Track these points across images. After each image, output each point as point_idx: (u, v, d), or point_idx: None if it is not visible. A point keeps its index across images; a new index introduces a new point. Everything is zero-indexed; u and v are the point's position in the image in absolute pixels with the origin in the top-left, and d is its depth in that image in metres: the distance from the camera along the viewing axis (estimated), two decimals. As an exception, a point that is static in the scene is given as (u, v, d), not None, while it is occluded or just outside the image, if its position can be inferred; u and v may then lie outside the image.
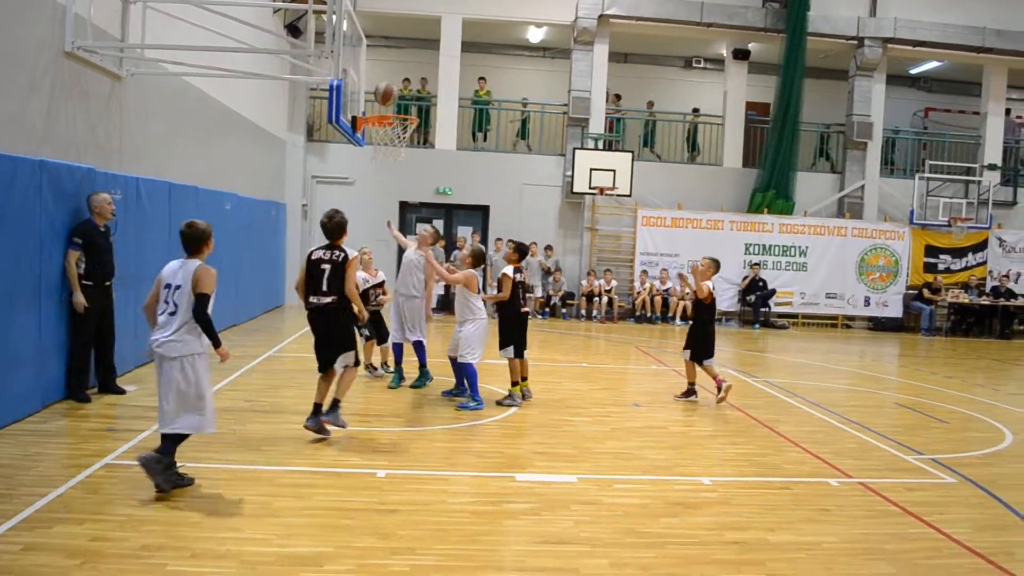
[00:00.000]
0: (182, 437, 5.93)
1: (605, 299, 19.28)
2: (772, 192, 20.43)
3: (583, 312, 19.46)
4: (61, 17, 8.69)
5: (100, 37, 9.50)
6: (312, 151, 19.99)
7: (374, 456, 7.08)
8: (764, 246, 20.28)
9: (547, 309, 19.51)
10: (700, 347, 9.97)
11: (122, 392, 8.92)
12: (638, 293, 19.55)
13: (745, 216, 20.44)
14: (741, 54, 21.14)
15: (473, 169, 20.14)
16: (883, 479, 7.12)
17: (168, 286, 6.06)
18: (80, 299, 8.30)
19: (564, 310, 19.63)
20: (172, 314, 5.93)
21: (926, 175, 20.87)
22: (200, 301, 5.88)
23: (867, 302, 20.64)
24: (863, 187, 21.13)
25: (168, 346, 5.83)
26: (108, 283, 8.80)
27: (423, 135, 20.68)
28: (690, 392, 10.07)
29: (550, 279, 19.45)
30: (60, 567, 4.55)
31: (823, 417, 9.58)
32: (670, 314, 19.40)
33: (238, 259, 14.56)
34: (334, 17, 9.54)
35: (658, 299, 19.47)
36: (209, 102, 13.68)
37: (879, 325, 20.78)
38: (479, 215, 20.41)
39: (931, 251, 20.88)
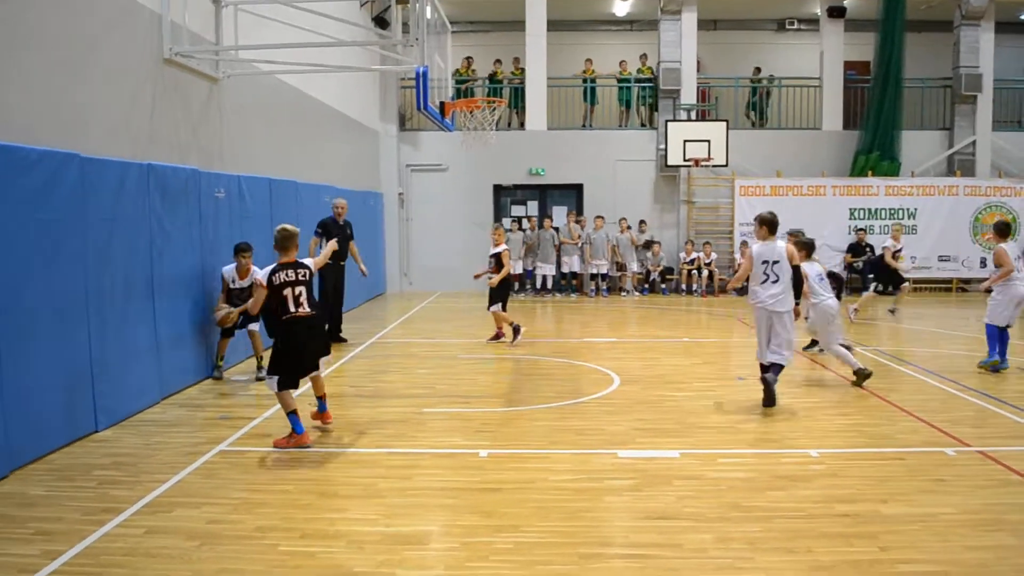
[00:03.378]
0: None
1: (705, 272, 18.94)
2: (876, 154, 19.62)
3: (683, 287, 19.18)
4: (158, 25, 9.04)
5: (195, 42, 9.84)
6: (405, 140, 20.27)
7: (476, 436, 7.16)
8: (870, 210, 19.50)
9: (646, 285, 19.29)
10: None
11: (344, 341, 12.02)
12: (739, 265, 19.09)
13: (848, 180, 19.67)
14: (836, 11, 20.30)
15: (565, 148, 20.04)
16: (1004, 447, 6.78)
17: (766, 262, 7.99)
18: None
19: (663, 285, 19.37)
20: (775, 282, 7.97)
21: (1043, 126, 19.66)
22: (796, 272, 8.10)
23: (984, 263, 19.59)
24: (974, 143, 20.06)
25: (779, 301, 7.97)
26: (342, 262, 11.86)
27: (519, 116, 20.69)
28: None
29: (648, 254, 19.22)
30: (180, 548, 4.79)
31: (938, 385, 9.18)
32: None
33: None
34: (418, 6, 9.62)
35: (760, 270, 18.96)
36: (303, 98, 14.02)
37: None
38: (573, 194, 20.33)
39: (1052, 206, 19.67)
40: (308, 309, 6.92)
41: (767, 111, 21.67)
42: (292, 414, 6.79)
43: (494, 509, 5.44)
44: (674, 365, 10.50)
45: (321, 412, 7.35)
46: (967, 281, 20.04)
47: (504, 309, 12.04)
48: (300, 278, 6.95)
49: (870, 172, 19.58)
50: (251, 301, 7.39)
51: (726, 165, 18.98)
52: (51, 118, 7.13)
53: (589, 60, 20.98)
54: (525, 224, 19.22)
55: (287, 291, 6.85)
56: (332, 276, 11.90)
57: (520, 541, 4.93)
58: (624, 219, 19.15)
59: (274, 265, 6.95)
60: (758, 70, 21.76)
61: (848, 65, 20.80)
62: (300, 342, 6.88)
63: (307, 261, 7.16)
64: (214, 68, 10.43)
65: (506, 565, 4.60)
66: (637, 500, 5.63)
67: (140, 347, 7.93)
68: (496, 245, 12.07)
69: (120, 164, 7.71)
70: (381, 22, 18.16)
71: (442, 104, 10.86)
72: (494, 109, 11.12)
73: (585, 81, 20.77)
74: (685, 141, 18.65)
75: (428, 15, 10.14)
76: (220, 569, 4.53)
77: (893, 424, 7.54)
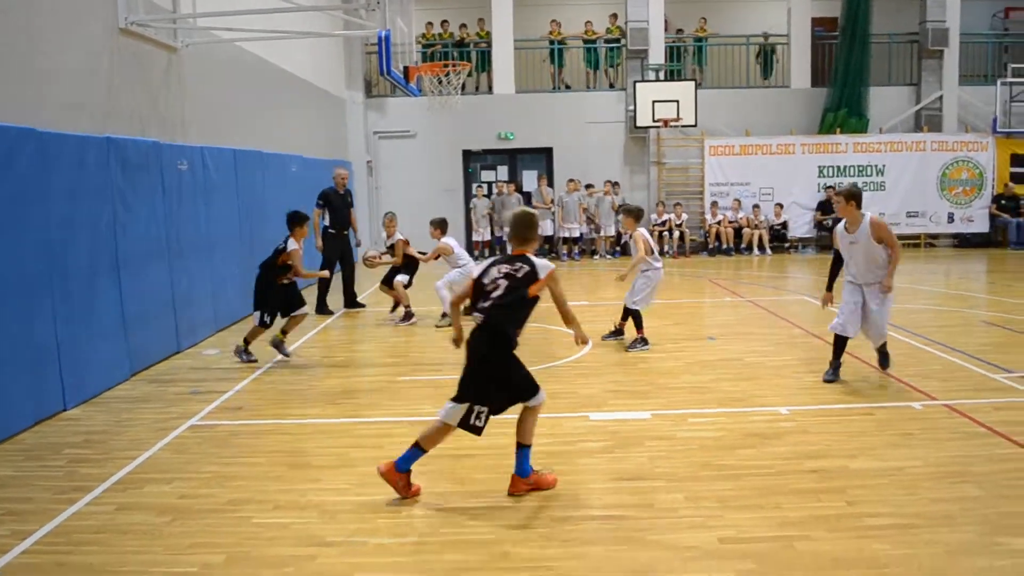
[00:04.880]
0: None
1: (676, 233, 18.98)
2: (844, 111, 19.68)
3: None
4: (112, -7, 8.81)
5: (152, 11, 9.62)
6: (372, 107, 20.03)
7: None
8: (839, 167, 19.59)
9: (618, 248, 19.31)
10: None
11: (362, 306, 12.28)
12: (710, 226, 19.19)
13: (817, 138, 19.75)
14: (804, -33, 20.24)
15: (534, 111, 19.91)
16: (970, 400, 6.90)
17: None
18: (318, 242, 11.70)
19: (634, 247, 19.38)
20: None
21: (1009, 80, 19.74)
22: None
23: (951, 218, 19.85)
24: (941, 98, 20.17)
25: None
26: (345, 232, 12.07)
27: (487, 80, 20.50)
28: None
29: (619, 217, 19.19)
30: (151, 524, 4.76)
31: (906, 340, 9.29)
32: (743, 245, 19.00)
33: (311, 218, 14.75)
34: (378, -33, 9.46)
35: (730, 230, 19.07)
36: (266, 66, 13.78)
37: (965, 242, 19.99)
38: (543, 157, 20.24)
39: (1018, 160, 19.84)
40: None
41: (772, 67, 21.46)
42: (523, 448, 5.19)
43: (467, 475, 5.47)
44: (646, 327, 10.51)
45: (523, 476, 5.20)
46: (935, 236, 20.27)
47: (408, 286, 11.20)
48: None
49: (838, 129, 19.66)
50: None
51: (695, 125, 18.95)
52: (4, 92, 6.94)
53: (555, 21, 20.79)
54: (497, 189, 19.14)
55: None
56: (337, 246, 12.01)
57: (493, 506, 4.95)
58: (609, 181, 19.14)
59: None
60: (766, 34, 21.45)
61: (816, 22, 20.76)
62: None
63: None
64: (172, 37, 10.21)
65: (480, 530, 4.62)
66: (609, 462, 5.68)
67: (106, 323, 7.82)
68: (390, 236, 11.27)
69: (79, 138, 7.54)
70: (346, -14, 17.86)
71: (406, 69, 10.73)
72: (459, 73, 11.00)
73: (552, 43, 20.60)
74: (654, 102, 18.59)
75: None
76: (192, 543, 4.52)
77: (862, 380, 7.64)
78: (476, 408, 4.98)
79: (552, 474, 5.27)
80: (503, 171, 20.26)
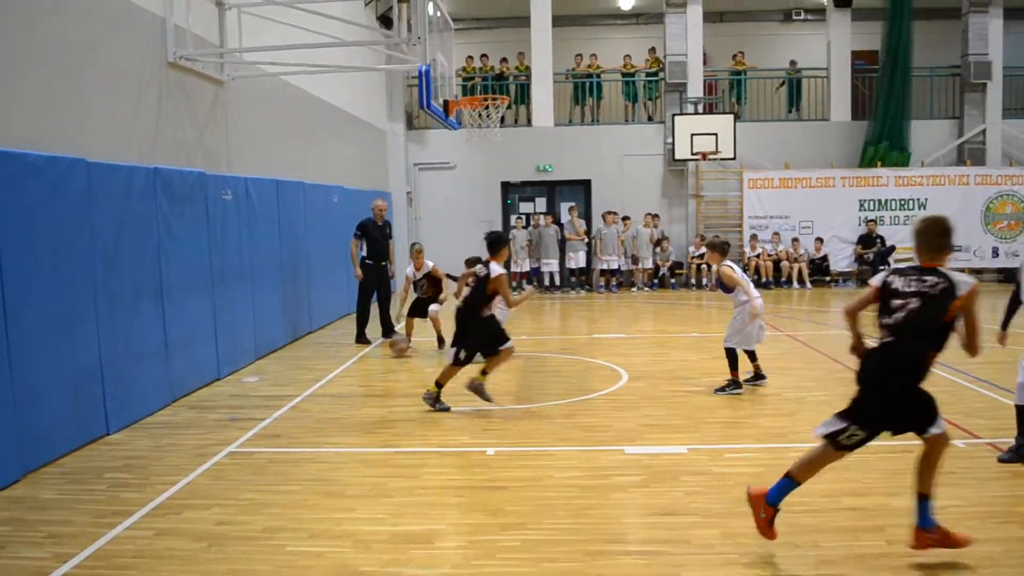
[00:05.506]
0: None
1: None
2: (885, 144, 19.50)
3: (693, 281, 19.12)
4: (161, 29, 9.09)
5: (200, 45, 9.88)
6: (413, 139, 20.29)
7: (484, 435, 7.18)
8: (880, 201, 19.40)
9: (656, 280, 19.25)
10: None
11: (396, 333, 11.96)
12: (749, 259, 19.06)
13: (857, 171, 19.56)
14: (843, 0, 20.19)
15: (572, 144, 20.03)
16: (1015, 439, 6.73)
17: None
18: (357, 272, 11.82)
19: (673, 280, 19.34)
20: None
21: (1055, 113, 19.51)
22: None
23: (995, 253, 19.49)
24: (984, 131, 19.92)
25: None
26: (383, 263, 12.08)
27: (526, 113, 20.70)
28: None
29: (657, 249, 19.18)
30: (189, 549, 4.82)
31: (949, 377, 9.13)
32: (783, 279, 18.83)
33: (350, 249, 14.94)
34: (419, 4, 9.64)
35: (770, 263, 18.93)
36: (309, 99, 14.06)
37: (1010, 276, 19.60)
38: (581, 190, 20.31)
39: (1063, 194, 19.52)
40: None
41: (799, 100, 21.38)
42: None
43: (501, 507, 5.46)
44: (683, 360, 10.49)
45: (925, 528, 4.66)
46: (979, 271, 19.89)
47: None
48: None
49: (879, 163, 19.47)
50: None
51: (734, 158, 18.91)
52: (56, 123, 7.17)
53: (579, 56, 21.02)
54: (534, 221, 19.23)
55: None
56: (374, 277, 12.05)
57: (526, 539, 4.94)
58: (650, 214, 19.21)
59: None
60: (794, 63, 21.47)
61: (856, 55, 20.67)
62: None
63: None
64: (219, 71, 10.47)
65: (512, 563, 4.62)
66: (644, 496, 5.64)
67: (149, 349, 7.97)
68: (419, 269, 11.34)
69: (126, 168, 7.75)
70: (386, 21, 18.21)
71: (446, 103, 10.89)
72: (498, 107, 11.13)
73: (590, 76, 20.77)
74: (692, 135, 18.60)
75: (430, 12, 10.18)
76: (228, 570, 4.56)
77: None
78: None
79: (966, 534, 4.62)
80: (541, 203, 20.34)
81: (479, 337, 7.87)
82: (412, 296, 11.50)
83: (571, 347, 11.54)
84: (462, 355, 7.85)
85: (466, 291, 8.13)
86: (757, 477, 5.96)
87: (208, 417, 7.89)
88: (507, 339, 7.96)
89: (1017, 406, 6.37)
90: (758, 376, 8.79)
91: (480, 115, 11.69)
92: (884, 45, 19.72)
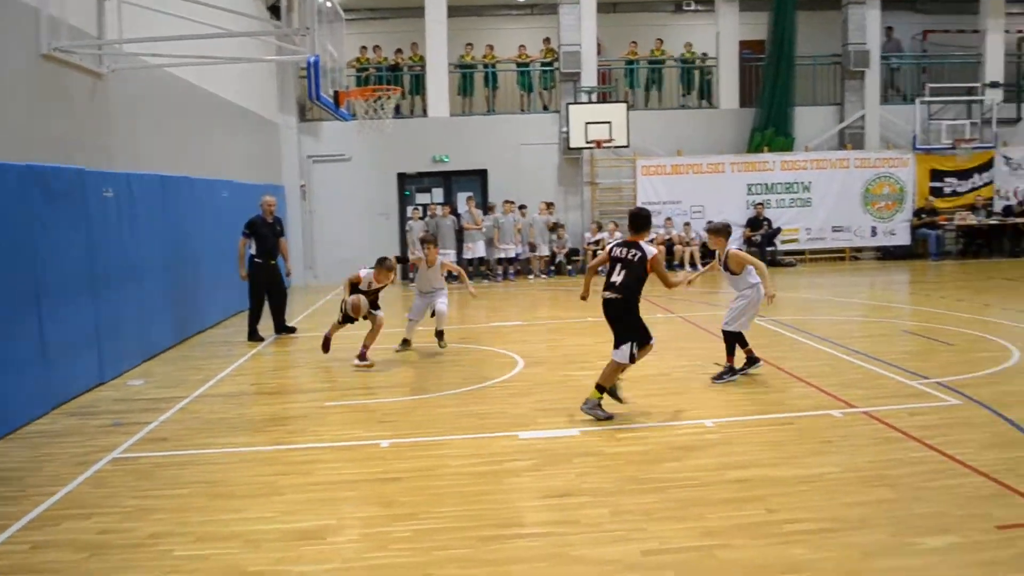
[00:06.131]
0: None
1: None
2: (771, 130, 20.22)
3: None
4: (35, 19, 8.65)
5: (77, 36, 9.45)
6: (306, 131, 19.92)
7: (378, 427, 7.14)
8: (767, 185, 20.11)
9: (552, 267, 19.44)
10: None
11: (294, 330, 12.13)
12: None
13: (745, 156, 20.24)
14: (731, -9, 20.77)
15: (468, 134, 20.03)
16: (887, 406, 7.11)
17: None
18: (242, 272, 11.51)
19: (570, 267, 19.58)
20: None
21: (927, 99, 20.53)
22: None
23: (874, 232, 20.46)
24: (863, 117, 20.85)
25: None
26: (273, 261, 11.66)
27: (421, 103, 20.57)
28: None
29: (554, 236, 19.37)
30: (68, 561, 4.64)
31: (830, 351, 9.54)
32: (675, 262, 19.29)
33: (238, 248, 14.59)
34: (307, -7, 9.48)
35: (663, 248, 19.33)
36: (196, 91, 13.63)
37: (888, 254, 20.62)
38: (477, 180, 20.33)
39: (936, 175, 20.60)
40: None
41: (691, 86, 21.79)
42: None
43: (394, 498, 5.44)
44: (579, 344, 10.65)
45: None
46: (859, 250, 20.86)
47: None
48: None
49: (766, 148, 20.16)
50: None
51: (627, 146, 19.26)
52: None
53: (470, 45, 21.05)
54: (431, 212, 19.16)
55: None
56: (264, 276, 11.64)
57: (419, 528, 4.94)
58: (545, 202, 19.41)
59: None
60: (689, 45, 21.74)
61: (743, 44, 21.33)
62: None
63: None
64: (97, 63, 10.04)
65: (404, 553, 4.61)
66: (537, 480, 5.71)
67: (25, 356, 7.61)
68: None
69: (-6, 166, 7.37)
70: (277, 11, 17.76)
71: (336, 94, 10.73)
72: (390, 97, 11.04)
73: (473, 67, 20.81)
74: (587, 123, 18.85)
75: (319, 2, 10.02)
76: (109, 579, 4.42)
77: (785, 391, 7.83)
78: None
79: None
80: (438, 193, 20.29)
81: (640, 328, 7.18)
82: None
83: (469, 336, 11.57)
84: (635, 350, 7.06)
85: (618, 277, 7.18)
86: (648, 455, 6.14)
87: (90, 424, 7.59)
88: (650, 335, 7.25)
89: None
90: (752, 360, 8.46)
91: (373, 106, 11.56)
92: (770, 35, 20.42)
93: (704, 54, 21.68)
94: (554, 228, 19.36)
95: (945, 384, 7.78)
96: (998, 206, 20.65)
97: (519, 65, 21.12)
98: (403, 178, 20.17)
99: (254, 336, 11.60)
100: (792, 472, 5.65)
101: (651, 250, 7.10)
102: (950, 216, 20.39)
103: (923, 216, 20.30)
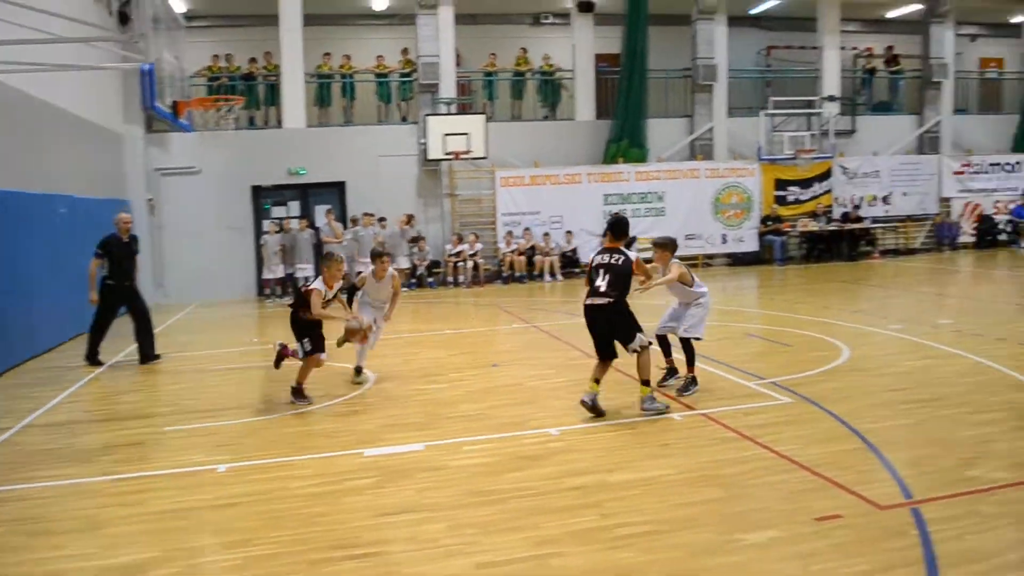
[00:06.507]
0: None
1: (470, 263, 19.24)
2: (626, 141, 20.79)
3: (450, 279, 19.35)
4: None
5: None
6: (153, 142, 19.04)
7: (216, 451, 6.85)
8: (622, 195, 20.67)
9: (413, 280, 19.32)
10: None
11: (158, 358, 11.14)
12: (504, 255, 19.61)
13: (602, 168, 20.74)
14: (586, 6, 21.21)
15: (325, 146, 19.66)
16: (723, 407, 7.39)
17: None
18: (92, 296, 10.65)
19: (431, 279, 19.52)
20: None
21: (770, 111, 21.61)
22: None
23: (724, 239, 21.36)
24: (712, 128, 21.73)
25: None
26: (128, 282, 10.90)
27: (276, 114, 20.07)
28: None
29: (415, 249, 19.27)
30: None
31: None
32: (536, 272, 19.53)
33: (80, 262, 13.79)
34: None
35: (523, 258, 19.57)
36: (27, 100, 12.78)
37: (737, 260, 21.56)
38: (335, 192, 19.97)
39: (780, 184, 21.73)
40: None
41: (552, 98, 22.10)
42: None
43: (228, 525, 5.24)
44: (433, 358, 10.60)
45: None
46: (711, 256, 21.71)
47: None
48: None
49: (621, 159, 20.71)
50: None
51: (486, 157, 19.39)
52: None
53: (328, 54, 20.80)
54: (286, 226, 18.67)
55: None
56: (115, 299, 10.94)
57: (250, 555, 4.76)
58: (406, 214, 19.31)
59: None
60: (547, 57, 21.97)
61: (599, 58, 21.87)
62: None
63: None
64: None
65: (230, 582, 4.44)
66: (376, 497, 5.61)
67: None
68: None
69: None
70: (124, 17, 16.96)
71: (175, 103, 10.33)
72: (231, 107, 10.71)
73: (331, 77, 20.54)
74: (445, 135, 18.86)
75: (155, 8, 9.64)
76: None
77: (628, 397, 7.97)
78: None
79: None
80: (295, 207, 19.80)
81: (630, 328, 7.42)
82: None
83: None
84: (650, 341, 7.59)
85: (603, 282, 7.37)
86: (491, 467, 6.14)
87: None
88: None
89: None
90: (672, 372, 8.63)
91: (217, 117, 11.19)
92: (624, 49, 20.99)
93: (558, 68, 22.09)
94: (415, 241, 19.25)
95: (779, 384, 8.16)
96: (837, 213, 21.97)
97: (377, 76, 20.96)
98: (258, 191, 19.59)
99: (93, 359, 10.95)
100: (628, 476, 5.77)
101: (632, 254, 7.49)
102: (793, 223, 21.53)
103: (769, 223, 21.35)
